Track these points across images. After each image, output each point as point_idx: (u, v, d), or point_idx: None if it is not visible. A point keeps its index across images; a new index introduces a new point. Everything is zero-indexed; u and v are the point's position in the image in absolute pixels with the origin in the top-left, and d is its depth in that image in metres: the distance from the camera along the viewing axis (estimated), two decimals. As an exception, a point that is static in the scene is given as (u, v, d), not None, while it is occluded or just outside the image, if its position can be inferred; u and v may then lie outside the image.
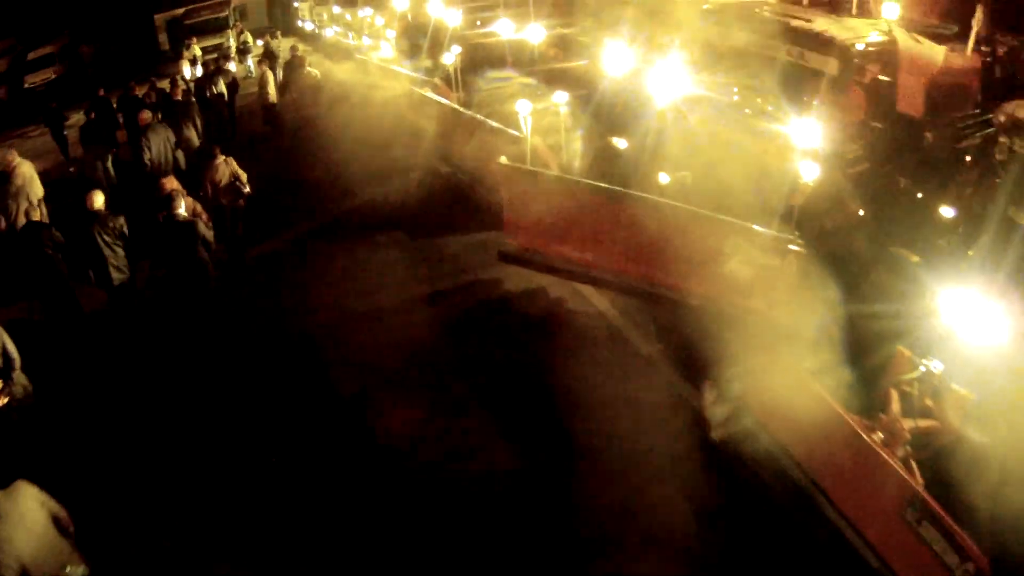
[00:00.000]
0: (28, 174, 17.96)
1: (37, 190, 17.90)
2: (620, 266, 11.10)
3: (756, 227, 9.67)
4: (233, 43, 40.43)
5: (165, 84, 26.18)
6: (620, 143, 14.14)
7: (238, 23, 41.99)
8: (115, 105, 25.73)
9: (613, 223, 11.06)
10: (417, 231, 16.45)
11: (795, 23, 12.59)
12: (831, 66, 11.73)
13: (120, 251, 13.17)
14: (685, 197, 10.96)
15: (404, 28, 27.49)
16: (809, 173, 9.32)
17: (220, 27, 41.50)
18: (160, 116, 20.39)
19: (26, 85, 45.40)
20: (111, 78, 34.64)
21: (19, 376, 10.58)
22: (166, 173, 15.92)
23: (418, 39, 25.08)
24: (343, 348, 12.78)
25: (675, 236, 10.22)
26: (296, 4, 45.06)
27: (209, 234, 12.95)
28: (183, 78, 28.56)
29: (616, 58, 13.35)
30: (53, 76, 45.34)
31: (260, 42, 40.58)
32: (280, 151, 23.50)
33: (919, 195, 11.10)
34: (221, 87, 26.01)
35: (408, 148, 19.52)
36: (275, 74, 27.78)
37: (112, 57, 46.66)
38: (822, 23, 12.43)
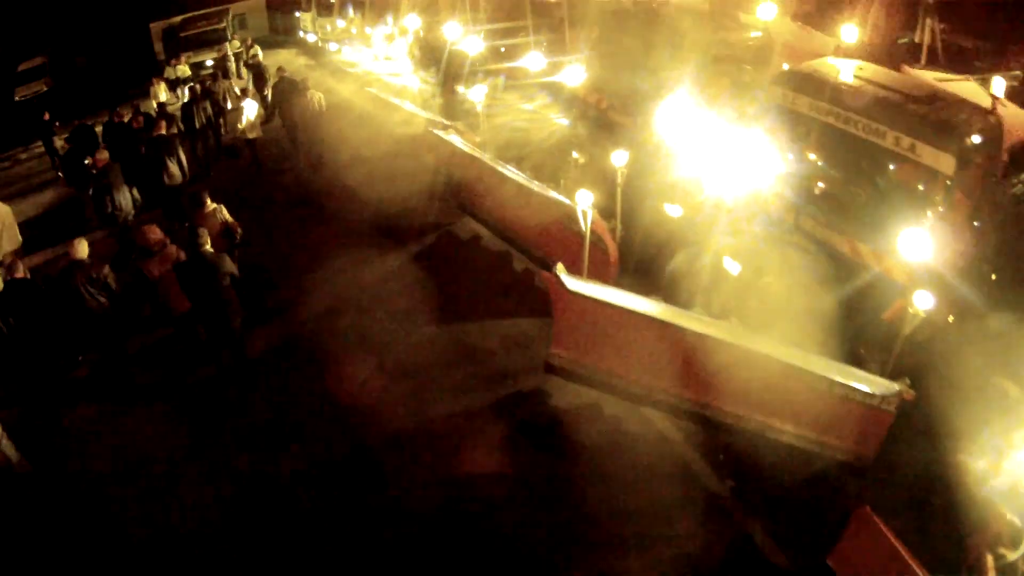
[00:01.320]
0: (6, 220, 17.40)
1: (14, 236, 17.41)
2: (678, 390, 10.55)
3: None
4: (232, 58, 39.47)
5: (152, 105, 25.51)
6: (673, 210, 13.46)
7: (237, 35, 40.82)
8: (99, 132, 25.07)
9: (672, 350, 10.38)
10: (448, 311, 14.81)
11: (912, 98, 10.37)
12: (946, 164, 9.54)
13: (104, 300, 13.23)
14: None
15: (417, 46, 26.20)
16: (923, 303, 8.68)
17: (217, 40, 39.97)
18: (143, 149, 19.99)
19: (16, 98, 44.45)
20: (105, 90, 33.80)
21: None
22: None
23: (431, 61, 23.78)
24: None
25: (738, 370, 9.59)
26: (298, 14, 43.49)
27: (233, 268, 12.80)
28: (158, 105, 27.15)
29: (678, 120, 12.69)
30: (45, 88, 44.39)
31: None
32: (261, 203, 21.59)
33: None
34: (210, 113, 25.15)
35: (428, 202, 18.39)
36: (262, 96, 26.54)
37: (107, 68, 45.49)
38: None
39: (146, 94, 31.39)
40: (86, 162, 18.94)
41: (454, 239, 17.33)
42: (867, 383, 9.17)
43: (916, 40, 17.67)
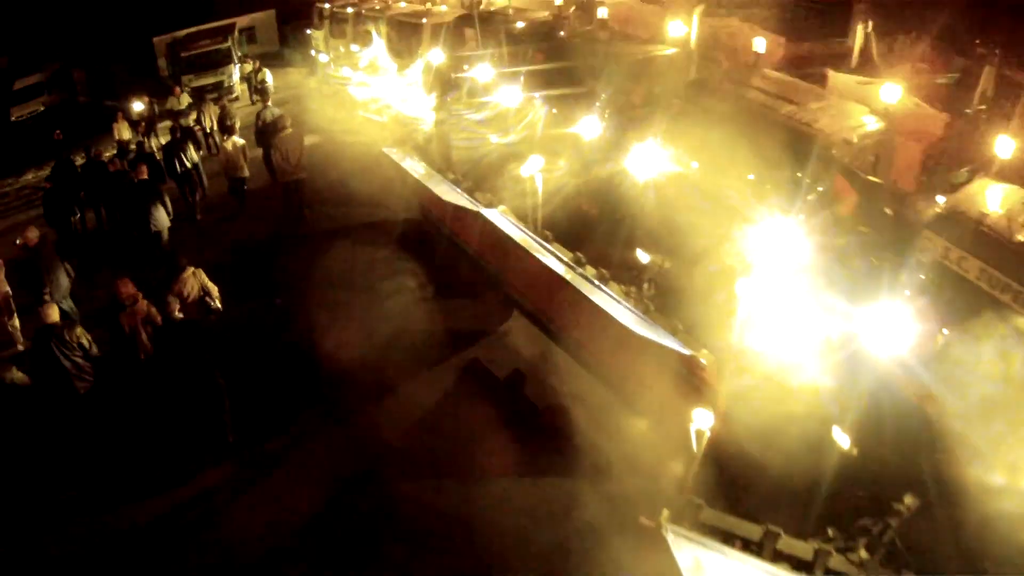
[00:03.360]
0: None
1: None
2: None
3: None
4: (237, 81, 38.46)
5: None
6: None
7: (248, 58, 39.19)
8: (79, 169, 24.53)
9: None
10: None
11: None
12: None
13: (81, 361, 13.52)
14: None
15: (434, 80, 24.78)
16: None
17: (220, 61, 38.83)
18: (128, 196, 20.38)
19: (12, 118, 43.52)
20: (103, 109, 32.74)
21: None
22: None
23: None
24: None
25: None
26: (309, 31, 41.83)
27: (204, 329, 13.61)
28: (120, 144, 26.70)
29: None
30: (42, 108, 43.51)
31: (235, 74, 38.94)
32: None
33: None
34: (193, 156, 24.16)
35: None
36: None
37: (107, 84, 44.27)
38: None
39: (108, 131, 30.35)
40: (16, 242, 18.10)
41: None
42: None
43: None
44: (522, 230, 14.58)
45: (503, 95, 18.50)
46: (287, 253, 20.47)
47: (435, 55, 23.54)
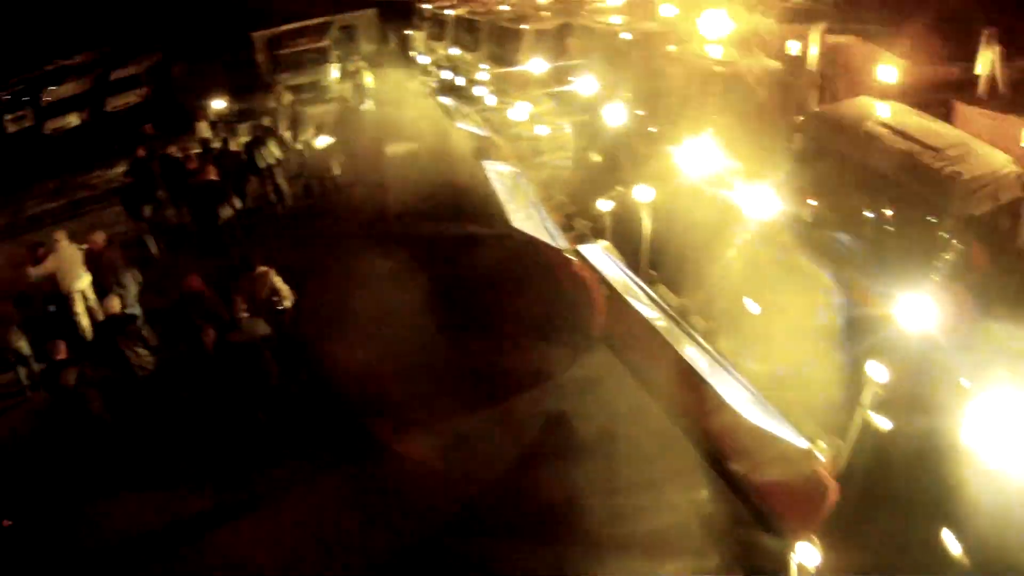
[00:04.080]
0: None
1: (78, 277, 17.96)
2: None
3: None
4: (335, 80, 37.72)
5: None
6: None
7: (352, 58, 38.01)
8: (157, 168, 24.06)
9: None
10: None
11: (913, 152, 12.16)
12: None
13: (143, 350, 14.52)
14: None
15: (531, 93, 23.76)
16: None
17: (317, 61, 38.41)
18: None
19: (108, 108, 43.75)
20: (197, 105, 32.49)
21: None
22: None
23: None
24: None
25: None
26: (409, 32, 41.20)
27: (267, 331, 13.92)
28: (202, 142, 26.29)
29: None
30: (137, 100, 43.56)
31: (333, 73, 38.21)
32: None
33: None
34: (274, 153, 24.13)
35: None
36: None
37: (205, 79, 44.17)
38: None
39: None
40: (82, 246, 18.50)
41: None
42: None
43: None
44: (622, 270, 13.16)
45: (604, 112, 17.28)
46: (358, 256, 19.86)
47: (535, 64, 22.50)
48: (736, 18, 20.83)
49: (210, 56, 46.97)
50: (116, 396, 14.33)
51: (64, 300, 18.11)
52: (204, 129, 28.67)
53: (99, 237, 17.30)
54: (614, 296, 13.05)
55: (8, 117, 51.72)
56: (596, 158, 18.89)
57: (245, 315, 13.82)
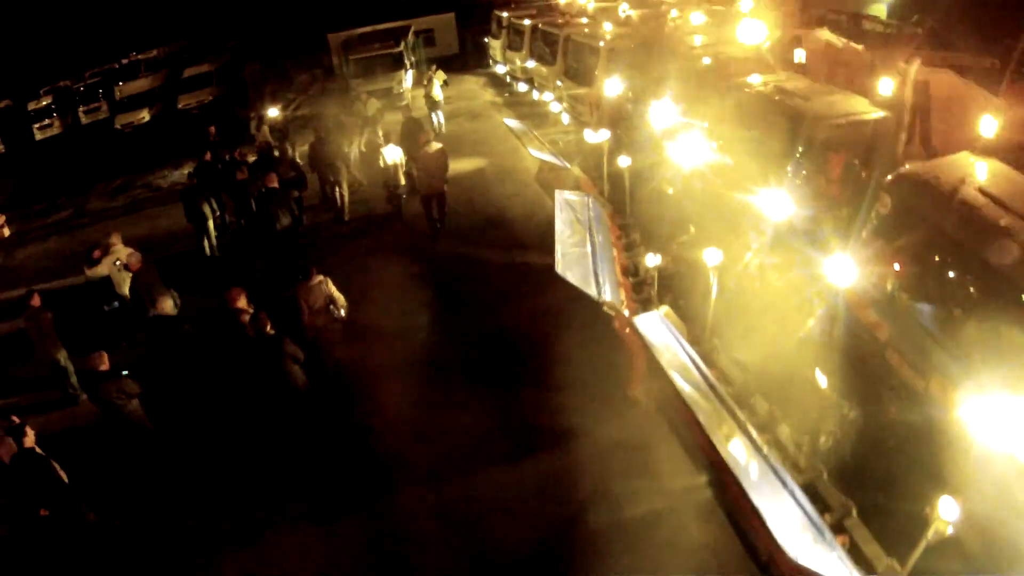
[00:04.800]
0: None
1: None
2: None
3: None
4: (408, 87, 36.85)
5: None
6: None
7: (433, 68, 34.56)
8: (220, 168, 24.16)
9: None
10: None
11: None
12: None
13: (134, 403, 13.72)
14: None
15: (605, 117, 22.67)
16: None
17: (390, 67, 37.25)
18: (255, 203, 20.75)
19: (180, 106, 43.95)
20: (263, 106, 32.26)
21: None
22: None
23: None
24: None
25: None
26: (486, 40, 40.51)
27: (297, 351, 13.59)
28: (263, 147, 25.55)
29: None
30: (209, 99, 43.71)
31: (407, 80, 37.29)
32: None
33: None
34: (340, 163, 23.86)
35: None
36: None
37: (276, 80, 44.11)
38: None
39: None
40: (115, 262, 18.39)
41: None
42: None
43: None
44: (678, 340, 11.82)
45: (678, 145, 16.21)
46: (405, 282, 19.16)
47: (611, 85, 21.40)
48: (813, 42, 19.76)
49: (283, 56, 46.98)
50: (159, 406, 14.37)
51: (121, 300, 18.22)
52: (267, 134, 28.34)
53: (134, 259, 16.89)
54: (657, 369, 11.73)
55: (83, 108, 52.50)
56: (668, 190, 17.77)
57: (270, 332, 13.54)
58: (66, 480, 12.29)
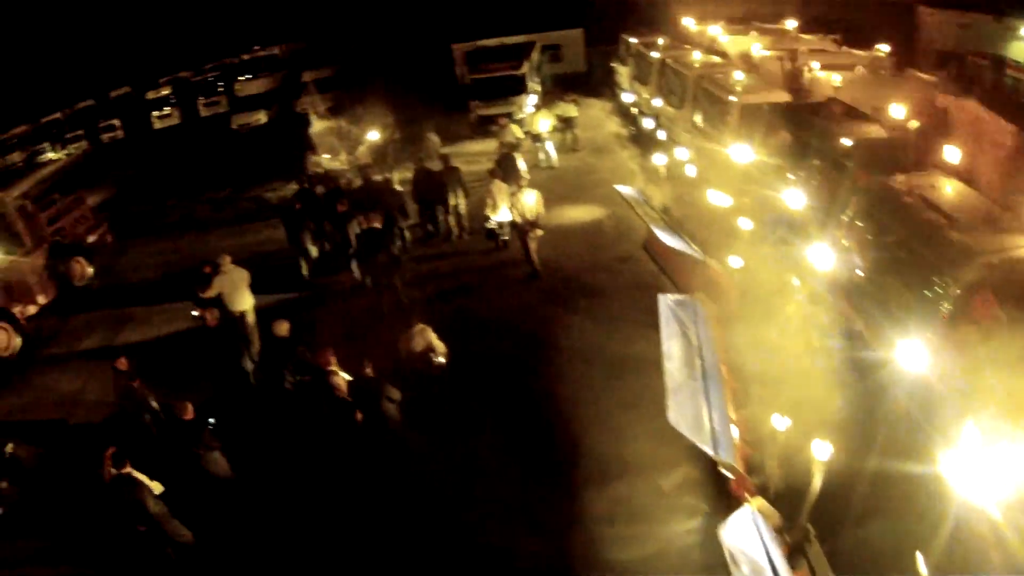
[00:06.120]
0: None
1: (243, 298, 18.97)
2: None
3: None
4: (530, 113, 34.34)
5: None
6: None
7: (570, 96, 33.44)
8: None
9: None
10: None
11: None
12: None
13: (215, 455, 13.97)
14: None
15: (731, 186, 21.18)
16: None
17: (511, 91, 35.83)
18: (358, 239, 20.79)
19: (296, 110, 44.30)
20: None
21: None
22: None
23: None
24: None
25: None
26: (613, 64, 39.27)
27: (394, 392, 14.26)
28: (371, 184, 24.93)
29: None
30: (326, 105, 43.65)
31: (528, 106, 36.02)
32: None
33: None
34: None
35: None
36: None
37: (405, 89, 43.65)
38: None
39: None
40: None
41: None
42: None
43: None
44: (765, 543, 10.36)
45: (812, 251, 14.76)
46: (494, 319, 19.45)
47: (740, 151, 19.94)
48: (960, 111, 18.38)
49: (405, 66, 46.64)
50: (240, 453, 14.56)
51: (232, 321, 18.64)
52: (366, 155, 28.11)
53: (211, 315, 17.29)
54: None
55: (202, 100, 53.18)
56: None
57: (339, 380, 14.33)
58: (155, 509, 12.74)
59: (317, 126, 33.12)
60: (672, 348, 13.71)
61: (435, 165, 25.68)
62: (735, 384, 14.05)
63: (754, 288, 16.11)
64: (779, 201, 17.12)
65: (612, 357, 16.98)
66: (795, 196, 16.61)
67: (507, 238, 22.83)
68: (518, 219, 20.76)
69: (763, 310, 15.40)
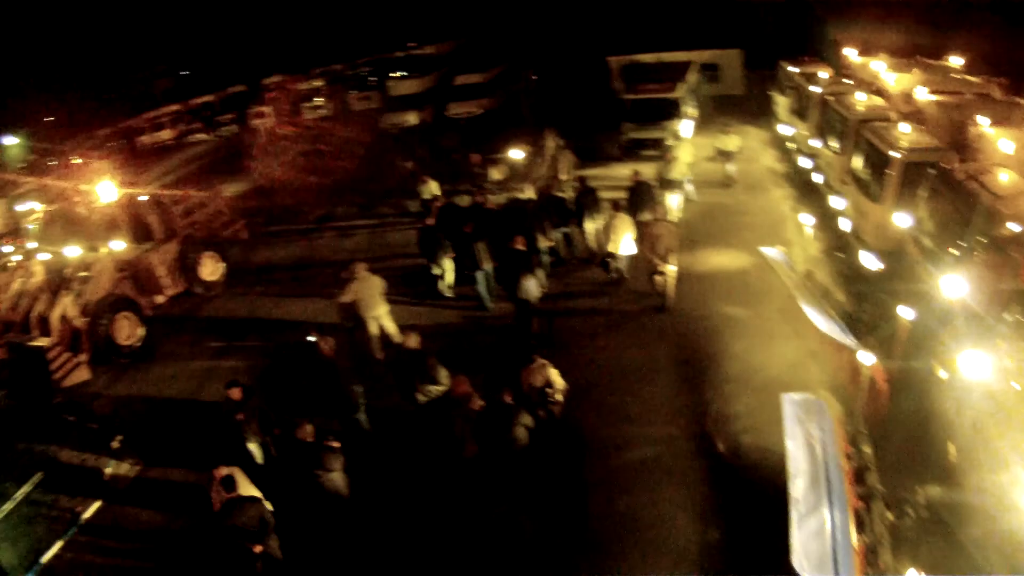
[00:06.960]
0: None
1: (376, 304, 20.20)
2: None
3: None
4: (685, 139, 33.06)
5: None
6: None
7: (733, 123, 33.28)
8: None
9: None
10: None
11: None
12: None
13: (334, 475, 14.43)
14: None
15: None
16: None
17: (665, 114, 34.67)
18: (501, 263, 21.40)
19: (448, 114, 44.54)
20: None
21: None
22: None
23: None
24: None
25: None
26: (772, 93, 38.72)
27: (529, 419, 14.76)
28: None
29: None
30: (477, 111, 43.90)
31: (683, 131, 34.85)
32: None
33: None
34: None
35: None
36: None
37: (556, 101, 43.50)
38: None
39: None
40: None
41: None
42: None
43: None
44: None
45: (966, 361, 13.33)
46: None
47: (900, 218, 19.09)
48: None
49: (561, 77, 46.59)
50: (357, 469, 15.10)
51: (361, 324, 20.10)
52: (496, 173, 28.32)
53: (326, 343, 17.49)
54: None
55: (355, 95, 54.06)
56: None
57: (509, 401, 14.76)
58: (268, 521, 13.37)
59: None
60: (798, 465, 12.23)
61: (529, 192, 25.48)
62: (858, 503, 12.03)
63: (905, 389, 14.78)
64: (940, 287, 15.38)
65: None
66: (953, 282, 15.29)
67: (623, 273, 22.71)
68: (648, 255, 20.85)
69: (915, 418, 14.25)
